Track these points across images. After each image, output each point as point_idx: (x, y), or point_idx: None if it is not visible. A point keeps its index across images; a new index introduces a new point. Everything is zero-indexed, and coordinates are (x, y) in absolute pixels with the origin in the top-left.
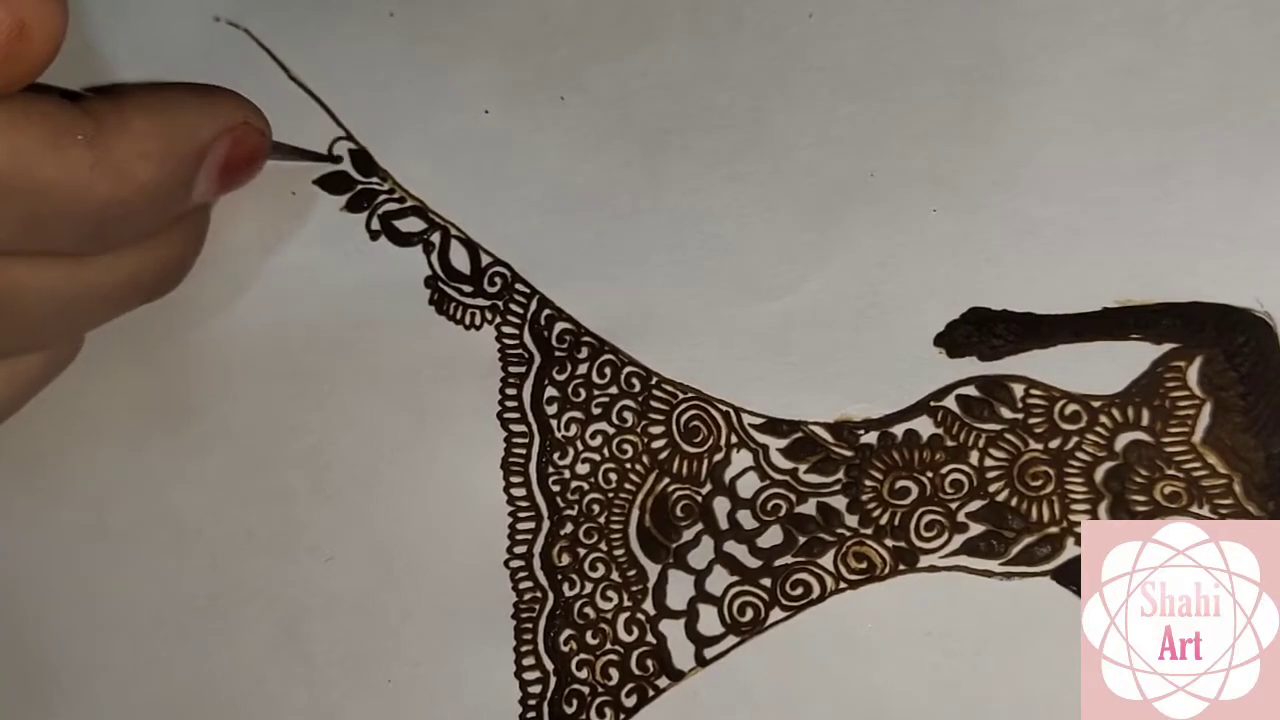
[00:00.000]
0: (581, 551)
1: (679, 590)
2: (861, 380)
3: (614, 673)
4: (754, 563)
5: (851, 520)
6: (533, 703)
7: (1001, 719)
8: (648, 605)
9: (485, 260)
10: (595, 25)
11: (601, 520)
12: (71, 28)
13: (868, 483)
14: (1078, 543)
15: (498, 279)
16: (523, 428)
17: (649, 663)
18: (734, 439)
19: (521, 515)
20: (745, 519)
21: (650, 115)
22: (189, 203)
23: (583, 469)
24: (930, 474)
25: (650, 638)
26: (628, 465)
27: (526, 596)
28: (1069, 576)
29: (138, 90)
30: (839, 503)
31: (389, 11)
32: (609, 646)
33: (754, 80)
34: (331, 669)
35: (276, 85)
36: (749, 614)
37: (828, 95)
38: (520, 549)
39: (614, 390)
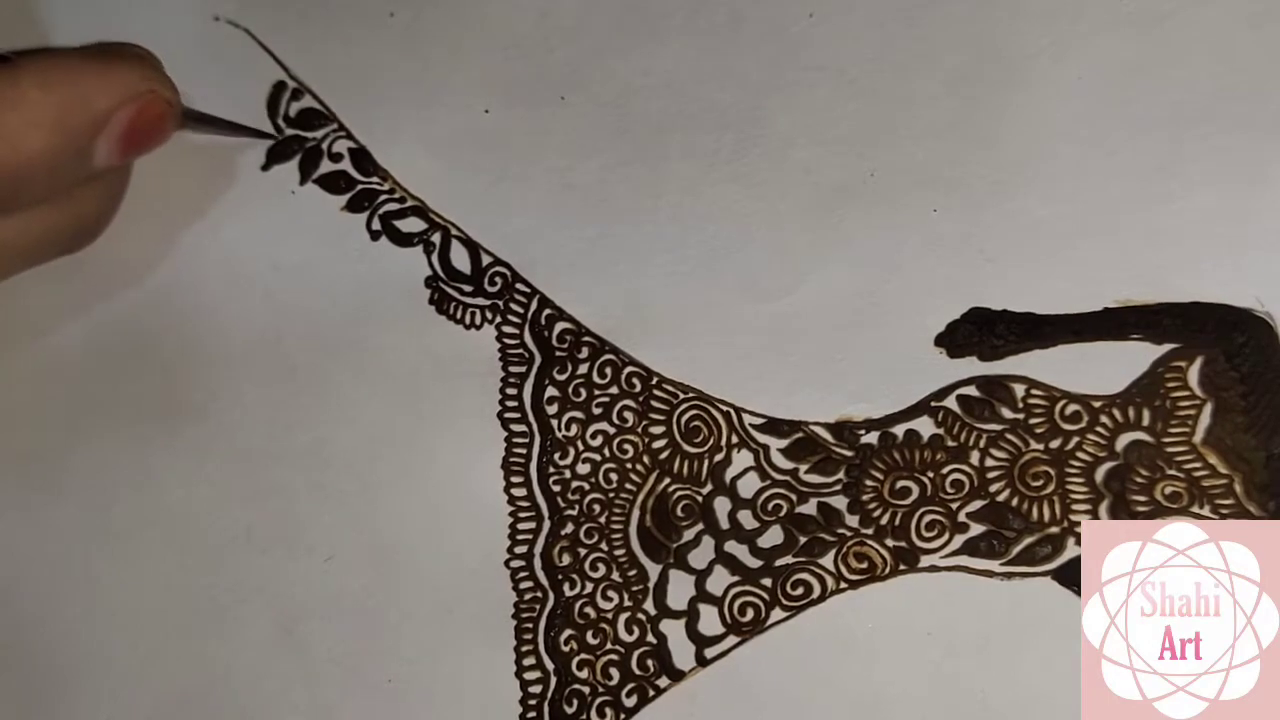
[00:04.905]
0: (582, 551)
1: (679, 590)
2: (862, 380)
3: (614, 672)
4: (755, 563)
5: (852, 520)
6: (533, 702)
7: (1002, 719)
8: (648, 605)
9: (485, 260)
10: (595, 25)
11: (602, 520)
12: (72, 27)
13: (868, 483)
14: (1078, 543)
15: (498, 279)
16: (523, 427)
17: (649, 663)
18: (735, 439)
19: (522, 515)
20: (746, 519)
21: (650, 115)
22: (91, 168)
23: (583, 469)
24: (931, 474)
25: (651, 638)
26: (628, 465)
27: (527, 596)
28: (1069, 576)
29: (36, 59)
30: (840, 503)
31: (389, 11)
32: (609, 646)
33: (754, 80)
34: (331, 668)
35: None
36: (749, 614)
37: (828, 95)
38: (521, 549)
39: (614, 390)
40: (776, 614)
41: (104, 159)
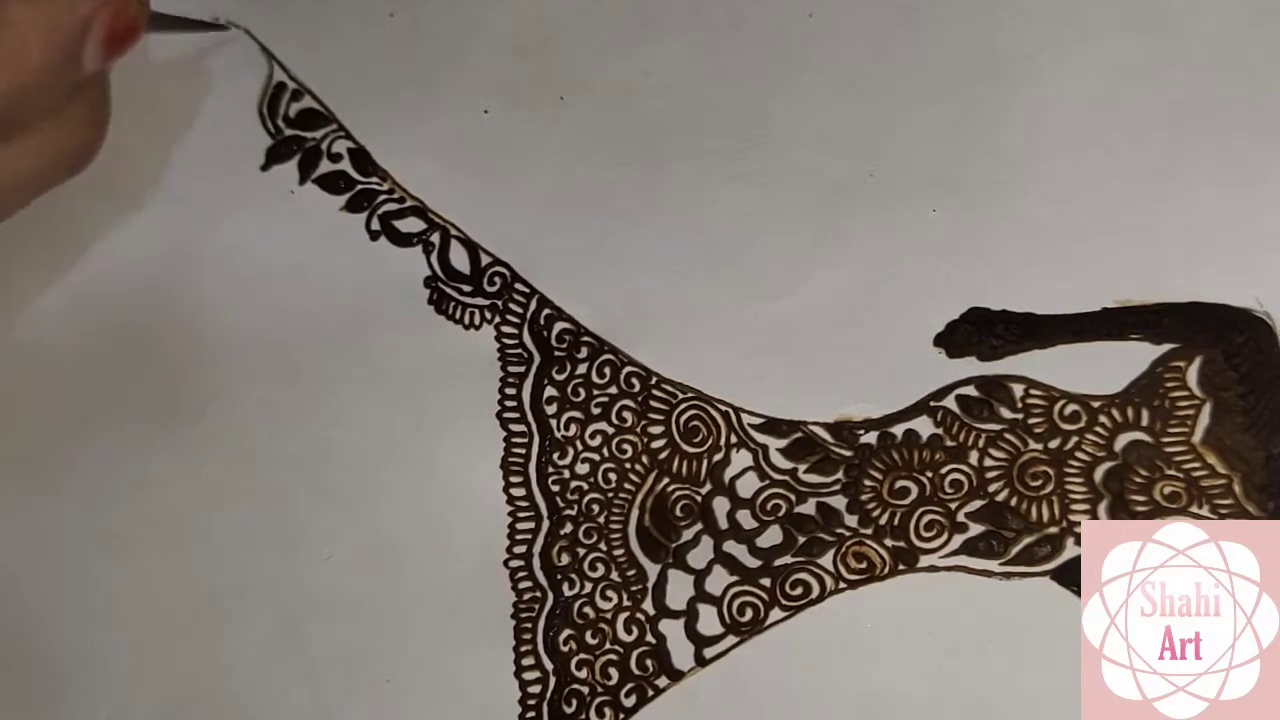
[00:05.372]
0: (581, 551)
1: (678, 590)
2: (861, 380)
3: (613, 672)
4: (754, 562)
5: (851, 520)
6: (532, 702)
7: (1002, 719)
8: (647, 605)
9: (485, 260)
10: (595, 25)
11: (601, 520)
12: None
13: (867, 483)
14: (1078, 543)
15: (497, 279)
16: (522, 427)
17: (648, 662)
18: (734, 439)
19: (521, 515)
20: (745, 519)
21: (650, 115)
22: (80, 74)
23: (582, 469)
24: (930, 474)
25: (650, 637)
26: (627, 465)
27: (526, 596)
28: (1069, 576)
29: None
30: (838, 503)
31: (389, 12)
32: (608, 646)
33: (754, 80)
34: (331, 668)
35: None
36: (749, 614)
37: (828, 95)
38: (520, 549)
39: (614, 390)
40: (775, 614)
41: (91, 63)
